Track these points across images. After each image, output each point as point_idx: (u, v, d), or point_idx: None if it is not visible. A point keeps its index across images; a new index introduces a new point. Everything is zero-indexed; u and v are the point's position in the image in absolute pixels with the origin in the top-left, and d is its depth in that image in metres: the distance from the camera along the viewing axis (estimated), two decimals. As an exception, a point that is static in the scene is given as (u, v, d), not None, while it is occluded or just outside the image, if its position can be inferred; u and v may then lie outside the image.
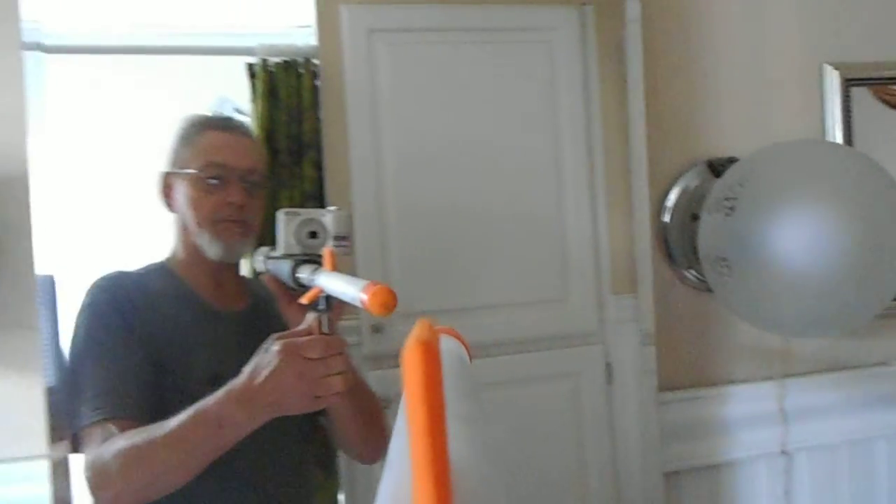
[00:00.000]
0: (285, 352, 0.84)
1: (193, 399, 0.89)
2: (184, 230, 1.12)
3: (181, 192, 1.10)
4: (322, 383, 0.85)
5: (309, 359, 0.84)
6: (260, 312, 1.15)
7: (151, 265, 1.15)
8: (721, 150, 1.58)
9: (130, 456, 0.89)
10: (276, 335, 0.87)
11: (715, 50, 1.61)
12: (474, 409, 0.44)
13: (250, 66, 1.37)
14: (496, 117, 1.44)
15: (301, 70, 1.37)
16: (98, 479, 0.92)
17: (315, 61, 1.38)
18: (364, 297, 0.67)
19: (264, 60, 1.36)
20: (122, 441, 0.91)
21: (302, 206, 1.37)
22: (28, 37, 1.23)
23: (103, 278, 1.09)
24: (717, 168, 1.53)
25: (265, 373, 0.84)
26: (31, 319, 1.20)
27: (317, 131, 1.38)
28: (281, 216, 0.96)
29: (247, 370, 0.87)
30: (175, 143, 1.13)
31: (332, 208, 0.97)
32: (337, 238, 0.94)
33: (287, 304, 1.00)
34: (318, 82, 1.38)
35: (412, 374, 0.25)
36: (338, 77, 1.36)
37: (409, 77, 1.39)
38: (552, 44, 1.46)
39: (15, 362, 1.21)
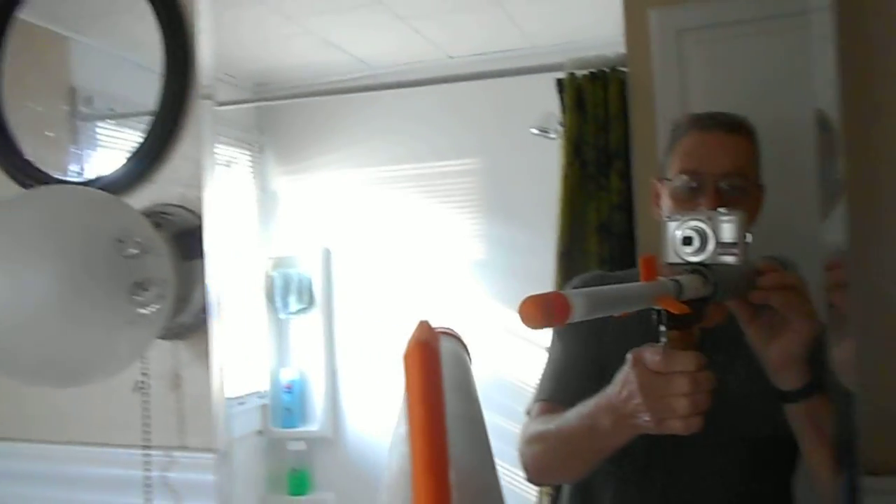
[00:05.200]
0: (633, 360, 0.81)
1: None
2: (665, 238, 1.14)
3: (663, 200, 1.08)
4: (664, 402, 0.77)
5: (654, 372, 0.78)
6: (735, 329, 1.00)
7: (635, 270, 1.18)
8: None
9: (534, 438, 0.99)
10: (648, 344, 0.82)
11: None
12: (474, 409, 0.40)
13: (559, 82, 1.40)
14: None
15: (608, 80, 1.36)
16: (520, 452, 1.02)
17: (623, 69, 1.35)
18: None
19: (572, 74, 1.38)
20: (537, 423, 1.00)
21: (609, 218, 1.35)
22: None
23: (582, 277, 1.18)
24: None
25: (620, 379, 0.83)
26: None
27: (624, 141, 1.35)
28: (666, 222, 0.89)
29: (615, 378, 0.84)
30: (665, 148, 1.12)
31: (722, 210, 0.86)
32: (721, 244, 0.83)
33: (749, 321, 0.90)
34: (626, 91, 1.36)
35: (412, 374, 0.25)
36: (646, 83, 1.32)
37: (722, 75, 1.28)
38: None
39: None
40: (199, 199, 1.35)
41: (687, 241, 0.84)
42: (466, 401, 0.43)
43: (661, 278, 0.76)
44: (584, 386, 0.96)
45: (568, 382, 1.03)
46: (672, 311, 0.74)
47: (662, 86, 1.30)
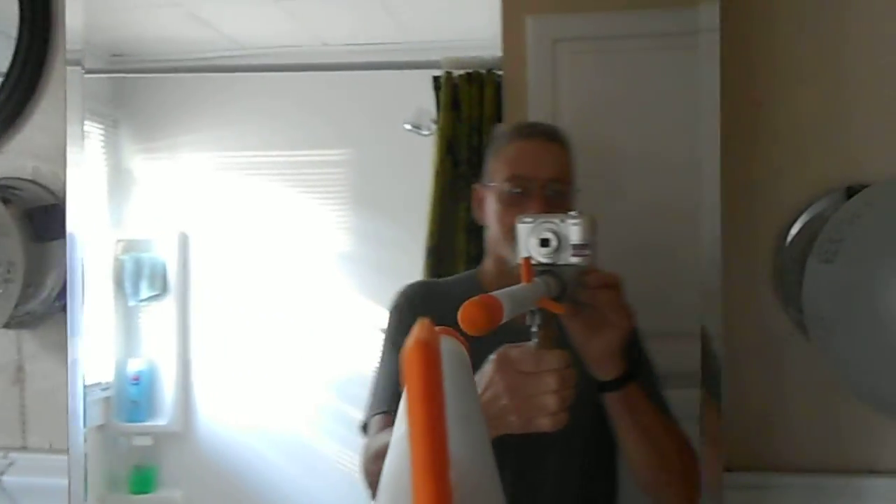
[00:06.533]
0: (498, 361, 0.82)
1: None
2: (490, 242, 1.17)
3: (488, 204, 1.15)
4: (534, 402, 0.80)
5: (522, 372, 0.80)
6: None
7: (464, 275, 1.23)
8: (870, 175, 1.26)
9: (376, 451, 1.00)
10: (506, 345, 0.84)
11: (860, 47, 1.29)
12: (474, 409, 0.41)
13: (436, 80, 1.41)
14: (691, 129, 1.33)
15: (484, 81, 1.38)
16: (366, 470, 1.03)
17: (498, 72, 1.38)
18: None
19: (448, 73, 1.39)
20: (384, 436, 0.99)
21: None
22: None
23: (411, 285, 1.21)
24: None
25: (483, 382, 0.83)
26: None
27: (497, 143, 1.38)
28: (517, 223, 0.92)
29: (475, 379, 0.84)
30: (487, 155, 1.19)
31: (572, 213, 0.91)
32: (576, 246, 0.87)
33: (570, 318, 0.94)
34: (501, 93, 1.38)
35: (412, 374, 0.25)
36: (520, 87, 1.35)
37: (592, 86, 1.34)
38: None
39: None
40: (55, 174, 1.24)
41: (544, 242, 0.87)
42: (466, 401, 0.42)
43: (537, 279, 0.79)
44: None
45: None
46: (554, 311, 0.77)
47: (536, 92, 1.34)
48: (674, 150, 1.34)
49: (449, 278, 1.21)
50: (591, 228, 0.88)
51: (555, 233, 0.88)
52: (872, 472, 1.29)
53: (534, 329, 0.82)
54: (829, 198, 1.28)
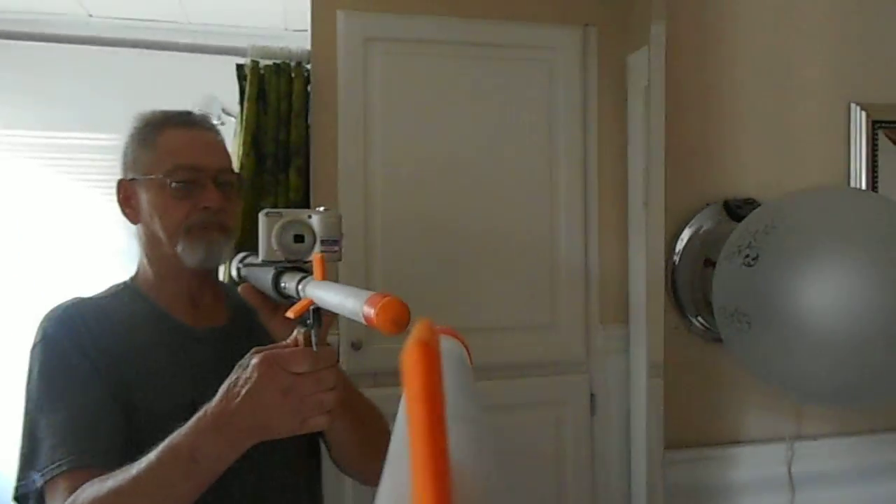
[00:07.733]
0: (266, 365, 0.73)
1: (170, 433, 0.77)
2: (151, 242, 1.00)
3: (145, 200, 0.98)
4: (311, 400, 0.74)
5: (294, 374, 0.73)
6: (241, 327, 1.02)
7: (114, 287, 1.04)
8: (739, 190, 1.48)
9: None
10: (256, 349, 0.76)
11: (736, 84, 1.51)
12: (474, 409, 0.42)
13: (240, 68, 1.33)
14: (490, 134, 1.39)
15: (293, 74, 1.33)
16: None
17: (307, 66, 1.34)
18: (370, 311, 0.57)
19: (255, 62, 1.32)
20: (89, 492, 0.79)
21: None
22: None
23: (56, 308, 0.97)
24: (733, 209, 1.44)
25: (243, 391, 0.73)
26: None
27: (305, 138, 1.34)
28: (262, 218, 0.83)
29: (221, 391, 0.75)
30: (132, 146, 1.00)
31: (319, 209, 0.85)
32: (325, 242, 0.83)
33: (270, 317, 0.89)
34: (309, 88, 1.34)
35: (412, 374, 0.24)
36: (330, 83, 1.32)
37: (403, 88, 1.35)
38: (552, 63, 1.42)
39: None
40: None
41: (299, 238, 0.83)
42: (466, 401, 0.41)
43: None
44: (120, 435, 0.89)
45: (101, 437, 0.87)
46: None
47: (346, 89, 1.32)
48: (506, 160, 1.42)
49: (98, 294, 1.02)
50: (339, 224, 0.85)
51: (310, 229, 0.83)
52: (737, 442, 1.53)
53: (302, 329, 0.77)
54: (709, 209, 1.47)
